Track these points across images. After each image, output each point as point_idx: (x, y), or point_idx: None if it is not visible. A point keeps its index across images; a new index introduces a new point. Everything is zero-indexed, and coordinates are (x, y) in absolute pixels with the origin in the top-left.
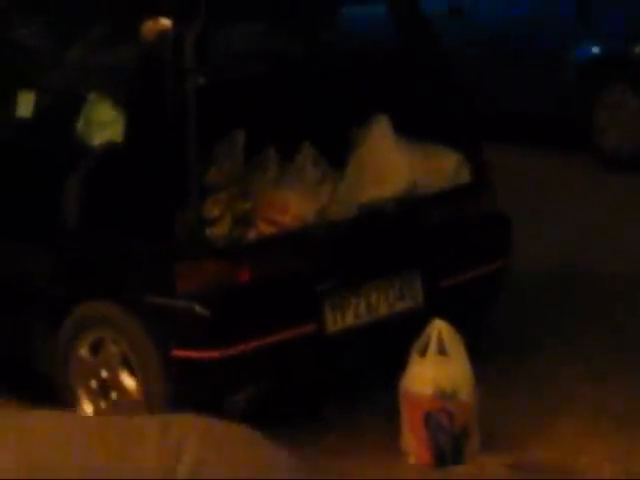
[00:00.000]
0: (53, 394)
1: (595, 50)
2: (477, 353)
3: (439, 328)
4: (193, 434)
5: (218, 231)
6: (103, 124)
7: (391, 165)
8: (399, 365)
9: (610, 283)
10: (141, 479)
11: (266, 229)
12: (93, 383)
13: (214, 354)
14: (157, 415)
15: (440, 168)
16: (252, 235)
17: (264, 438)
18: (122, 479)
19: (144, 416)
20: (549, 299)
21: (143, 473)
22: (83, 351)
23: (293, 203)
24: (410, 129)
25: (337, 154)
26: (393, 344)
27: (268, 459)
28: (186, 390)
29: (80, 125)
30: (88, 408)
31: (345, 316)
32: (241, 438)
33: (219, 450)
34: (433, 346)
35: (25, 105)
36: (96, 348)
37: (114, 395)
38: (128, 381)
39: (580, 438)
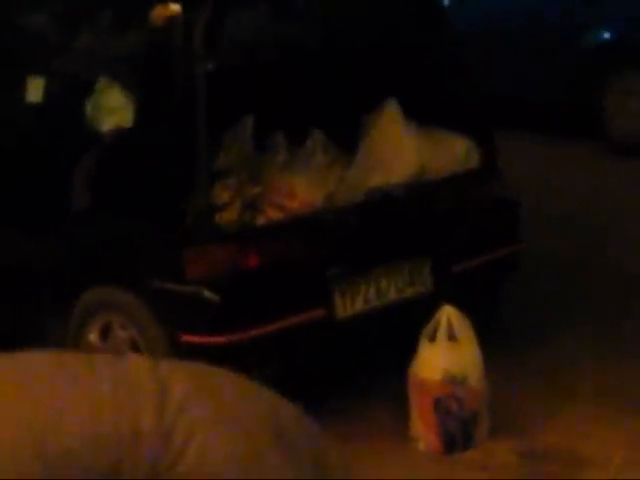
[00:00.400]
0: None
1: (605, 35)
2: (487, 339)
3: (449, 314)
4: (179, 373)
5: (227, 216)
6: (112, 110)
7: (400, 150)
8: (409, 351)
9: (621, 268)
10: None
11: (275, 214)
12: None
13: (222, 339)
14: (146, 357)
15: (450, 153)
16: (261, 220)
17: (250, 381)
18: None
19: (133, 356)
20: (559, 285)
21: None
22: (92, 336)
23: (302, 188)
24: (420, 114)
25: (346, 139)
26: (402, 330)
27: (251, 395)
28: None
29: (89, 111)
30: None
31: (354, 302)
32: (226, 377)
33: (203, 386)
34: (443, 332)
35: (35, 91)
36: (105, 333)
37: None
38: None
39: (591, 424)
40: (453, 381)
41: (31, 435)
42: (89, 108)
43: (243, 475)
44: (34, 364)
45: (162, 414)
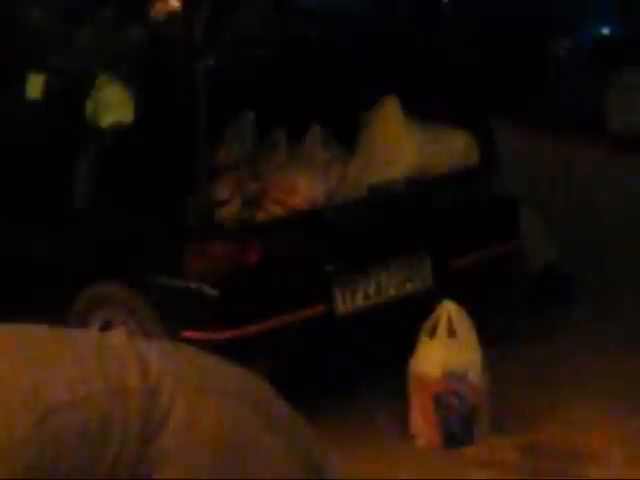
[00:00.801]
0: None
1: (606, 31)
2: (487, 335)
3: (448, 310)
4: (154, 345)
5: (228, 212)
6: (113, 105)
7: (401, 146)
8: (408, 346)
9: (624, 264)
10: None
11: (276, 210)
12: None
13: (223, 335)
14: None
15: (450, 149)
16: (262, 216)
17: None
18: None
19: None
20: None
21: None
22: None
23: (303, 184)
24: (420, 110)
25: (347, 136)
26: (402, 325)
27: (229, 369)
28: None
29: (90, 106)
30: None
31: (355, 297)
32: (202, 353)
33: (181, 358)
34: (442, 328)
35: (35, 86)
36: (106, 329)
37: None
38: None
39: (592, 421)
40: (453, 377)
41: (22, 395)
42: (90, 104)
43: (227, 442)
44: (19, 332)
45: (146, 376)
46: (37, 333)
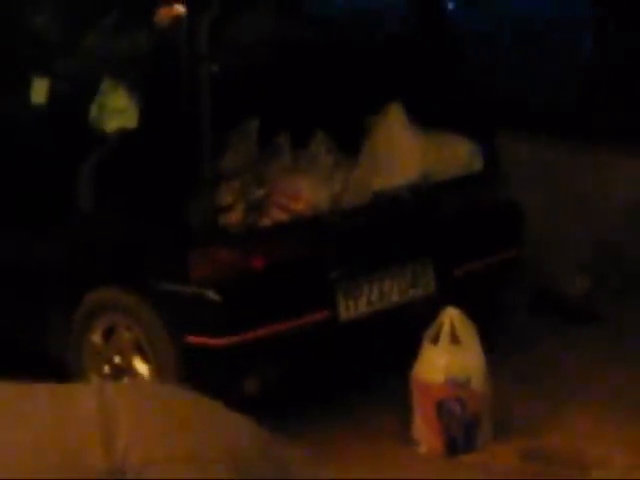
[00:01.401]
0: (67, 379)
1: None
2: (490, 341)
3: (451, 316)
4: (126, 399)
5: (232, 218)
6: (117, 111)
7: (404, 153)
8: (411, 353)
9: (628, 266)
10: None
11: (279, 216)
12: (106, 369)
13: (227, 341)
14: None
15: (453, 156)
16: (265, 222)
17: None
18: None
19: (78, 385)
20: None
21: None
22: (96, 337)
23: (306, 190)
24: (424, 117)
25: (350, 142)
26: (405, 332)
27: (208, 422)
28: (198, 376)
29: (94, 112)
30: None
31: (358, 303)
32: (181, 401)
33: (155, 415)
34: (445, 334)
35: (40, 91)
36: (109, 334)
37: (127, 381)
38: (141, 367)
39: (594, 426)
40: (456, 383)
41: None
42: (94, 109)
43: None
44: None
45: (111, 453)
46: None
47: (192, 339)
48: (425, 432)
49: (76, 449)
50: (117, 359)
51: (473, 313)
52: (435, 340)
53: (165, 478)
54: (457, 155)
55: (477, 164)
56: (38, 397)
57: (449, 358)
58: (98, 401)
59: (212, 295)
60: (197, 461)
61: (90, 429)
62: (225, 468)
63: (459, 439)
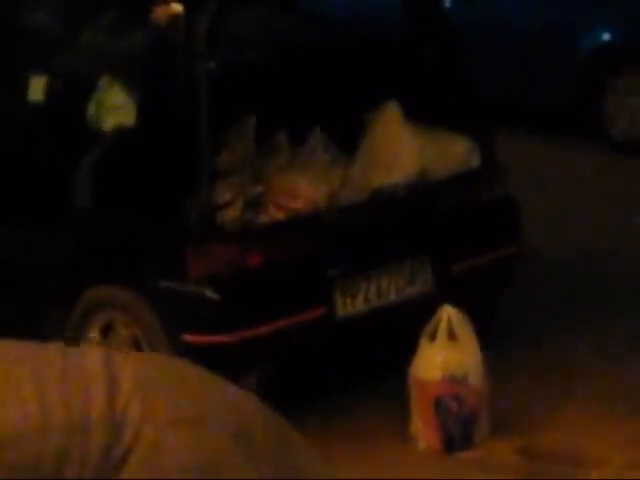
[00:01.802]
0: None
1: (606, 36)
2: (487, 338)
3: (449, 313)
4: (133, 362)
5: (229, 215)
6: (115, 108)
7: (402, 150)
8: (409, 350)
9: (624, 267)
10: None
11: (277, 213)
12: None
13: (224, 338)
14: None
15: (451, 153)
16: (263, 219)
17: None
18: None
19: (86, 346)
20: (563, 284)
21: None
22: (94, 334)
23: (304, 188)
24: (421, 114)
25: (348, 139)
26: (403, 329)
27: (213, 389)
28: None
29: (92, 109)
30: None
31: (355, 301)
32: (187, 369)
33: (159, 378)
34: (443, 331)
35: (37, 89)
36: (106, 331)
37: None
38: None
39: (591, 424)
40: (453, 380)
41: None
42: (91, 106)
43: (199, 476)
44: None
45: (112, 404)
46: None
47: (189, 336)
48: (423, 429)
49: (80, 402)
50: None
51: (471, 310)
52: (432, 337)
53: (164, 438)
54: (454, 152)
55: (475, 161)
56: (48, 354)
57: (446, 355)
58: (104, 361)
59: (209, 292)
60: (198, 426)
61: (94, 384)
62: (227, 436)
63: (456, 436)
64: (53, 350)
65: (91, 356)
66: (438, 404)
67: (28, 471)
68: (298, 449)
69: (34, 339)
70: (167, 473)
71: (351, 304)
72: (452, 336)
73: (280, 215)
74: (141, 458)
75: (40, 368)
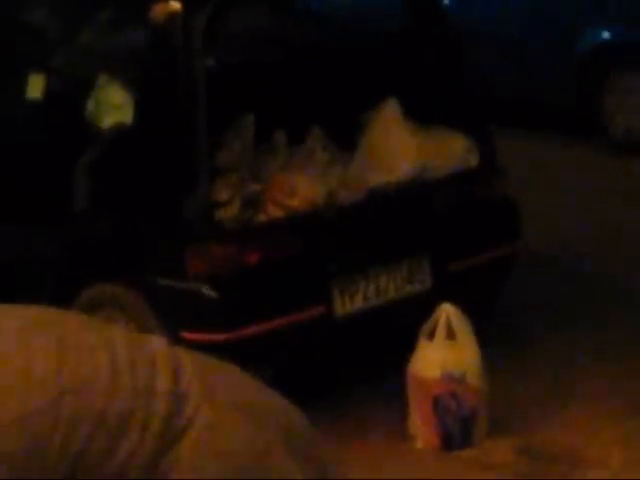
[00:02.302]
0: None
1: (605, 35)
2: (486, 337)
3: (447, 312)
4: (193, 355)
5: (227, 214)
6: (113, 106)
7: (400, 149)
8: (407, 348)
9: (623, 267)
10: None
11: (275, 212)
12: None
13: (222, 337)
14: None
15: (449, 152)
16: (261, 218)
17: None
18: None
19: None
20: (561, 283)
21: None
22: None
23: (302, 186)
24: (419, 113)
25: (346, 138)
26: (401, 327)
27: (264, 389)
28: None
29: (90, 107)
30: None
31: (354, 299)
32: (238, 370)
33: (217, 369)
34: (441, 330)
35: (36, 87)
36: None
37: None
38: None
39: (590, 423)
40: (451, 379)
41: (45, 369)
42: (90, 104)
43: (247, 468)
44: (57, 314)
45: (176, 380)
46: (74, 319)
47: (188, 335)
48: (421, 427)
49: (146, 372)
50: None
51: (469, 309)
52: (431, 336)
53: (221, 420)
54: (453, 151)
55: (473, 160)
56: (115, 330)
57: (445, 354)
58: (167, 343)
59: (208, 291)
60: (253, 414)
61: (160, 359)
62: (279, 430)
63: (455, 434)
64: (121, 328)
65: (157, 340)
66: (437, 403)
67: (91, 425)
68: (324, 454)
69: None
70: (220, 455)
71: (350, 303)
72: (451, 335)
73: (279, 214)
74: (197, 436)
75: (111, 337)
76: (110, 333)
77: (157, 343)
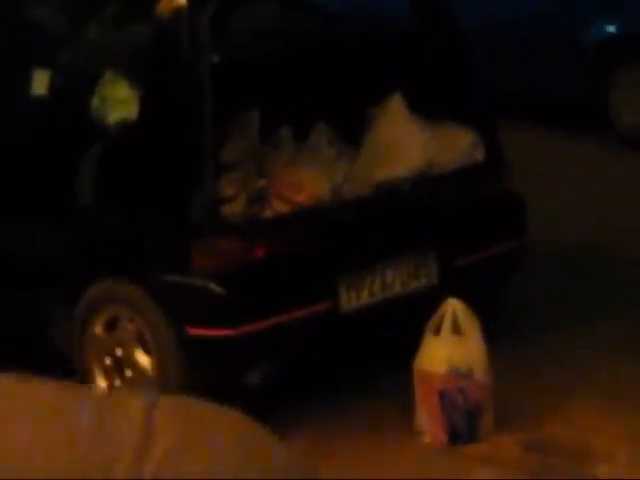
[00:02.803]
0: (70, 372)
1: (611, 29)
2: (492, 332)
3: (453, 307)
4: (173, 414)
5: (233, 209)
6: (119, 102)
7: (406, 144)
8: (413, 344)
9: (627, 262)
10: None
11: (281, 207)
12: (108, 361)
13: (228, 332)
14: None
15: (455, 147)
16: (267, 213)
17: (260, 426)
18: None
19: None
20: (565, 279)
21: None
22: (98, 329)
23: (308, 182)
24: (425, 108)
25: (352, 133)
26: (407, 322)
27: (259, 447)
28: (200, 368)
29: (96, 103)
30: (103, 385)
31: (360, 294)
32: (230, 423)
33: (201, 434)
34: (447, 325)
35: (41, 83)
36: (111, 326)
37: (129, 373)
38: (143, 359)
39: (596, 418)
40: (458, 374)
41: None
42: (95, 100)
43: None
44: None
45: (141, 466)
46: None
47: (194, 331)
48: (428, 422)
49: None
50: (119, 351)
51: (475, 304)
52: (437, 331)
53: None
54: (459, 146)
55: (479, 155)
56: (77, 408)
57: (451, 349)
58: (143, 417)
59: (214, 286)
60: None
61: (123, 448)
62: None
63: (461, 429)
64: (90, 396)
65: (128, 408)
66: (443, 398)
67: None
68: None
69: (38, 335)
70: None
71: (355, 298)
72: (457, 330)
73: (284, 209)
74: None
75: (68, 418)
76: (72, 410)
77: (126, 417)
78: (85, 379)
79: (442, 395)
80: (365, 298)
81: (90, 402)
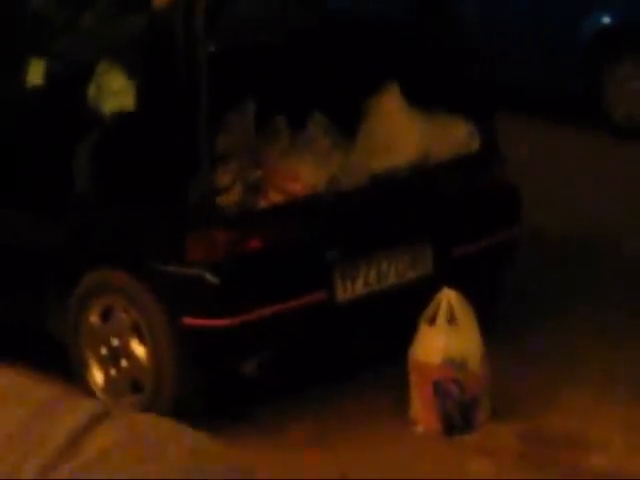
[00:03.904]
0: (66, 361)
1: (606, 20)
2: (487, 322)
3: (449, 297)
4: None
5: (229, 199)
6: (115, 92)
7: (402, 134)
8: (409, 334)
9: (624, 252)
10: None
11: (277, 197)
12: (103, 350)
13: (224, 322)
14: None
15: (451, 137)
16: (263, 203)
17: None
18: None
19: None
20: (562, 268)
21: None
22: (93, 318)
23: (304, 172)
24: (421, 98)
25: (348, 123)
26: (403, 312)
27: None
28: (196, 358)
29: (92, 93)
30: (98, 375)
31: (355, 284)
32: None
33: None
34: (442, 315)
35: (37, 73)
36: (107, 315)
37: (124, 362)
38: (138, 349)
39: (591, 408)
40: (453, 364)
41: None
42: (91, 91)
43: None
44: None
45: (57, 467)
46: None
47: (189, 321)
48: (422, 412)
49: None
50: (114, 341)
51: (471, 294)
52: (432, 321)
53: None
54: (455, 136)
55: (475, 145)
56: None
57: (446, 339)
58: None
59: (209, 276)
60: None
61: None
62: None
63: (456, 419)
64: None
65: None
66: (437, 387)
67: None
68: None
69: (34, 323)
70: None
71: (351, 288)
72: (452, 320)
73: (280, 199)
74: None
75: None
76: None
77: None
78: (81, 369)
79: (436, 385)
80: (360, 288)
81: (31, 406)
